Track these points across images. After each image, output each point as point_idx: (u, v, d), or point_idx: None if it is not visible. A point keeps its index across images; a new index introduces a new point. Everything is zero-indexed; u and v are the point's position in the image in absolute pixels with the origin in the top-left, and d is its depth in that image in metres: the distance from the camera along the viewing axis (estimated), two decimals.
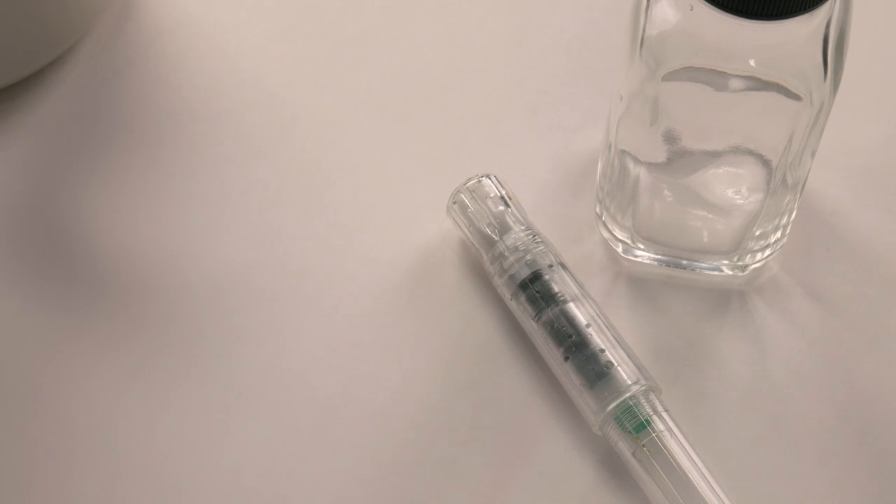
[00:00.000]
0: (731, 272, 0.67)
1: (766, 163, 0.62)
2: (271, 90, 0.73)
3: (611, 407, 0.62)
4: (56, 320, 0.66)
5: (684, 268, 0.68)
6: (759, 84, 0.59)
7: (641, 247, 0.67)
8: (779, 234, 0.66)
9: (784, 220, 0.66)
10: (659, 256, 0.67)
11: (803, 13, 0.55)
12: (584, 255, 0.69)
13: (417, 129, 0.73)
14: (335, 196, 0.70)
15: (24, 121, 0.71)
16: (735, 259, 0.67)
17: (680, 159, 0.64)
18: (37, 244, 0.68)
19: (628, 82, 0.61)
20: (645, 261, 0.68)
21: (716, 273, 0.68)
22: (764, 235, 0.66)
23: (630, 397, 0.62)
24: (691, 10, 0.57)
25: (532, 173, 0.71)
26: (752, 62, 0.57)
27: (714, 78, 0.59)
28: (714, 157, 0.63)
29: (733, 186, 0.65)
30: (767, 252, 0.67)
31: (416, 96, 0.74)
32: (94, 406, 0.64)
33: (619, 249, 0.68)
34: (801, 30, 0.57)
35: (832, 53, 0.56)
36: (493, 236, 0.67)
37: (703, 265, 0.67)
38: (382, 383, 0.65)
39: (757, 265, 0.67)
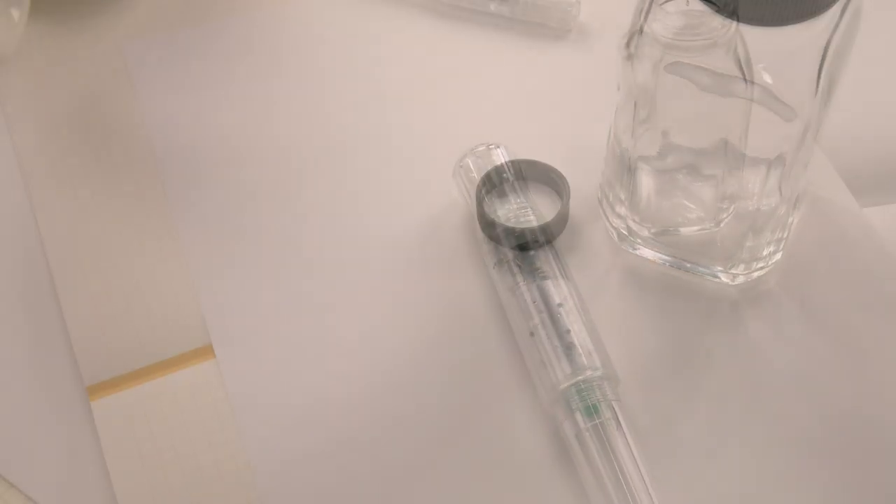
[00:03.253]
0: (726, 280, 0.67)
1: (756, 168, 0.62)
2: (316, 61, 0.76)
3: (563, 387, 0.63)
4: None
5: (680, 268, 0.68)
6: (748, 87, 0.60)
7: (639, 241, 0.68)
8: (772, 247, 0.66)
9: (778, 235, 0.65)
10: (656, 254, 0.68)
11: (797, 23, 0.55)
12: (586, 240, 0.69)
13: (456, 100, 0.75)
14: (374, 151, 0.73)
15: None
16: (729, 267, 0.67)
17: (670, 154, 0.64)
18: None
19: (624, 73, 0.62)
20: (642, 254, 0.68)
21: (711, 278, 0.67)
22: (757, 248, 0.66)
23: (583, 380, 0.62)
24: (687, 4, 0.57)
25: (559, 154, 0.72)
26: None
27: (704, 76, 0.59)
28: (701, 155, 0.64)
29: (725, 189, 0.65)
30: (760, 265, 0.67)
31: (456, 68, 0.76)
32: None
33: (615, 237, 0.68)
34: (796, 41, 0.57)
35: (826, 72, 0.56)
36: (488, 204, 0.68)
37: (701, 269, 0.67)
38: (364, 320, 0.67)
39: (751, 275, 0.67)
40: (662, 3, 0.60)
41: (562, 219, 0.68)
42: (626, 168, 0.65)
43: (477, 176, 0.69)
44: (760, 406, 0.64)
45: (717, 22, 0.60)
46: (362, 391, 0.65)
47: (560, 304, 0.65)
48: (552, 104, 0.74)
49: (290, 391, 0.64)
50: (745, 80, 0.62)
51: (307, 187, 0.72)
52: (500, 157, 0.69)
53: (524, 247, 0.67)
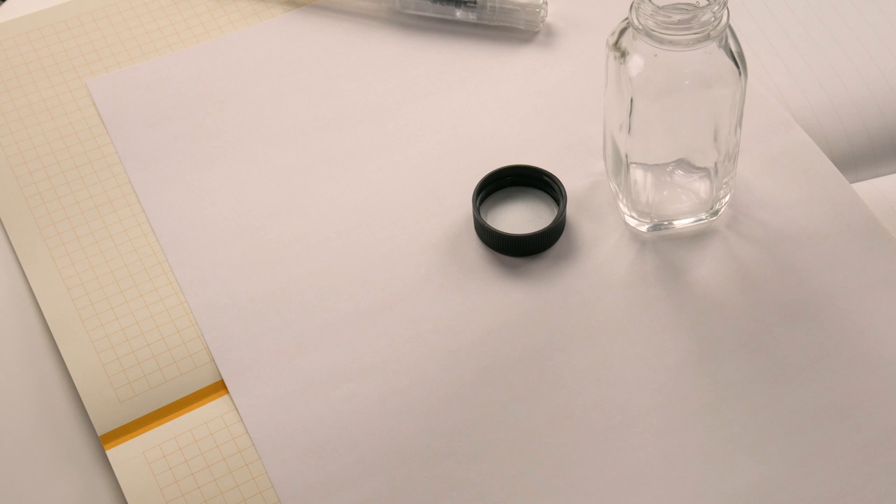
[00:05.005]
0: (707, 219, 0.69)
1: (714, 137, 0.65)
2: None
3: None
4: None
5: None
6: (742, 77, 0.63)
7: (644, 220, 0.68)
8: (731, 174, 0.68)
9: (731, 177, 0.68)
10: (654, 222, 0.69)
11: None
12: (583, 242, 0.69)
13: (436, 112, 0.74)
14: (361, 169, 0.73)
15: None
16: (710, 210, 0.68)
17: (664, 148, 0.65)
18: None
19: (617, 71, 0.63)
20: (643, 229, 0.69)
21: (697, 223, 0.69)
22: (725, 185, 0.68)
23: None
24: (655, 56, 0.62)
25: (548, 156, 0.72)
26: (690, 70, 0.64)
27: (698, 69, 0.62)
28: (694, 147, 0.65)
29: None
30: (728, 196, 0.69)
31: (429, 80, 0.76)
32: None
33: (631, 223, 0.69)
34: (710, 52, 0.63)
35: (738, 60, 0.64)
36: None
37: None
38: (375, 339, 0.66)
39: (723, 206, 0.69)
40: None
41: (559, 224, 0.68)
42: (622, 164, 0.66)
43: None
44: (769, 400, 0.64)
45: (708, 15, 0.61)
46: (381, 411, 0.64)
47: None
48: (533, 107, 0.74)
49: (309, 418, 0.63)
50: (738, 70, 0.62)
51: (298, 209, 0.71)
52: None
53: (522, 253, 0.67)
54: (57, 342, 0.66)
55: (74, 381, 0.65)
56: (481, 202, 0.69)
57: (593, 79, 0.74)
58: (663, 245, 0.68)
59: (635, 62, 0.62)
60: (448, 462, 0.62)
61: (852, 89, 0.74)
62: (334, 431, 0.63)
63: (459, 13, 0.77)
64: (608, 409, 0.63)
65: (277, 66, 0.76)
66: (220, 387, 0.65)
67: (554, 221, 0.67)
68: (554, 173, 0.70)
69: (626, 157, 0.65)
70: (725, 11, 0.61)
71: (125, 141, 0.73)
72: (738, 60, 0.62)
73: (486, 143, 0.72)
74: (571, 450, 0.63)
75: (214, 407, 0.64)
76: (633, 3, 0.61)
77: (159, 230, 0.70)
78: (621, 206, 0.68)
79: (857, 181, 0.71)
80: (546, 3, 0.76)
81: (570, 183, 0.70)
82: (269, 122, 0.74)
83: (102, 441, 0.63)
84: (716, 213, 0.68)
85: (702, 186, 0.67)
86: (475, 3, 0.76)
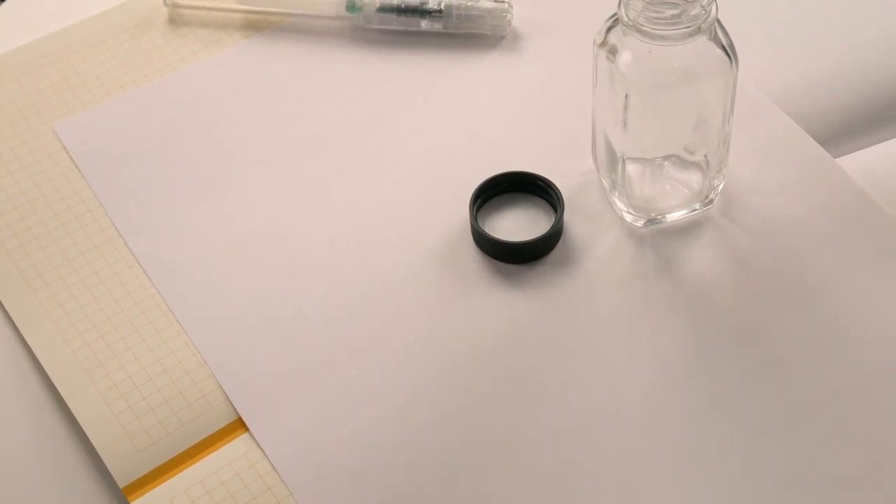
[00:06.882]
0: (701, 209, 0.69)
1: (706, 128, 0.66)
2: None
3: None
4: None
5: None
6: (734, 67, 0.64)
7: (641, 215, 0.69)
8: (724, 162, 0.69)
9: (724, 165, 0.68)
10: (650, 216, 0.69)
11: None
12: (581, 245, 0.69)
13: (416, 125, 0.74)
14: (347, 192, 0.72)
15: None
16: (704, 199, 0.69)
17: (657, 143, 0.66)
18: None
19: (609, 69, 0.63)
20: (639, 224, 0.69)
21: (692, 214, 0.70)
22: (719, 173, 0.68)
23: None
24: (649, 52, 0.62)
25: (540, 159, 0.72)
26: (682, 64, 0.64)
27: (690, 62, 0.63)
28: (685, 139, 0.66)
29: (689, 156, 0.67)
30: (721, 184, 0.69)
31: (402, 95, 0.75)
32: None
33: (628, 219, 0.69)
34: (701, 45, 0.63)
35: (729, 50, 0.64)
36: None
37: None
38: (384, 359, 0.65)
39: (717, 195, 0.69)
40: None
41: (558, 229, 0.68)
42: (617, 161, 0.66)
43: None
44: (783, 385, 0.64)
45: (697, 9, 0.61)
46: (399, 428, 0.63)
47: None
48: (511, 111, 0.74)
49: (332, 445, 0.63)
50: (731, 60, 0.63)
51: (290, 234, 0.70)
52: None
53: (522, 260, 0.67)
54: (63, 397, 0.64)
55: (88, 434, 0.63)
56: (477, 210, 0.69)
57: (567, 79, 0.74)
58: (661, 239, 0.69)
59: (626, 58, 0.62)
60: (474, 474, 0.62)
61: (823, 68, 0.75)
62: (360, 456, 0.62)
63: (424, 24, 0.76)
64: (624, 408, 0.64)
65: (247, 93, 0.75)
66: (238, 425, 0.63)
67: (553, 227, 0.67)
68: (545, 175, 0.69)
69: (623, 154, 0.65)
70: (714, 5, 0.62)
71: (101, 182, 0.72)
72: (728, 51, 0.63)
73: (470, 151, 0.72)
74: (594, 451, 0.63)
75: (236, 446, 0.63)
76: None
77: (151, 270, 0.68)
78: (617, 202, 0.68)
79: (838, 157, 0.72)
80: (511, 7, 0.76)
81: (560, 184, 0.70)
82: (247, 149, 0.73)
83: (125, 493, 0.61)
84: (710, 202, 0.69)
85: (694, 177, 0.68)
86: (441, 12, 0.76)
